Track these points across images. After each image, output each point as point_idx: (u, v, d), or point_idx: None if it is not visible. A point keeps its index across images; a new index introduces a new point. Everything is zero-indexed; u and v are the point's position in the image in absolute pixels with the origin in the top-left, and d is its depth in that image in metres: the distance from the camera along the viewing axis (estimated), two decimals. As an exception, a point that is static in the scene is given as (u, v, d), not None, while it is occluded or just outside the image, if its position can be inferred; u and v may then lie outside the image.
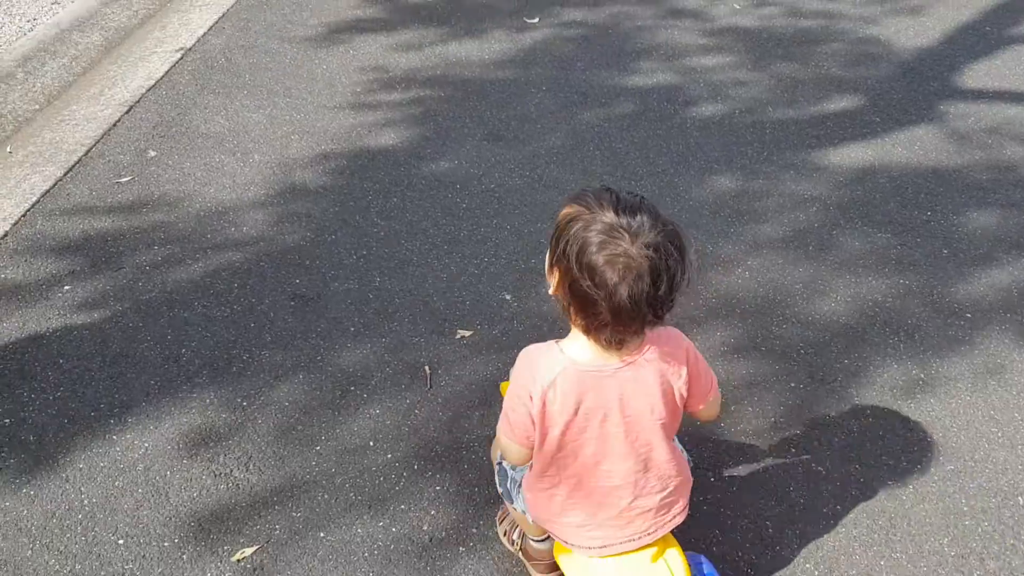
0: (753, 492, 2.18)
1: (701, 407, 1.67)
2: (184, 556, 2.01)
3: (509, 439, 1.63)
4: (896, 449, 2.31)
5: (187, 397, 2.42)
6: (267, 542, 2.04)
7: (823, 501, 2.17)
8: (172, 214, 3.16)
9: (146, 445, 2.27)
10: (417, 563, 2.00)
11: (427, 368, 2.53)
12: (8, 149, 3.53)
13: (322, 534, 2.06)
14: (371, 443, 2.30)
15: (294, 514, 2.11)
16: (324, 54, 4.35)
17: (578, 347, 1.53)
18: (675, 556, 1.71)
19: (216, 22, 4.64)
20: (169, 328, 2.65)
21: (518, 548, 2.00)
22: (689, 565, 1.72)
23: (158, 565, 1.99)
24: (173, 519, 2.09)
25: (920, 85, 4.19)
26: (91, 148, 3.53)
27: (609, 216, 1.39)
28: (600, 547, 1.69)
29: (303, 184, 3.36)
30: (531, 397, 1.54)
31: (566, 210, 1.45)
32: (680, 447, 1.80)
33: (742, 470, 2.24)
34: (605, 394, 1.54)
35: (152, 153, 3.51)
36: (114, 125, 3.69)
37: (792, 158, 3.61)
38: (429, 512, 2.12)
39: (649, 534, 1.69)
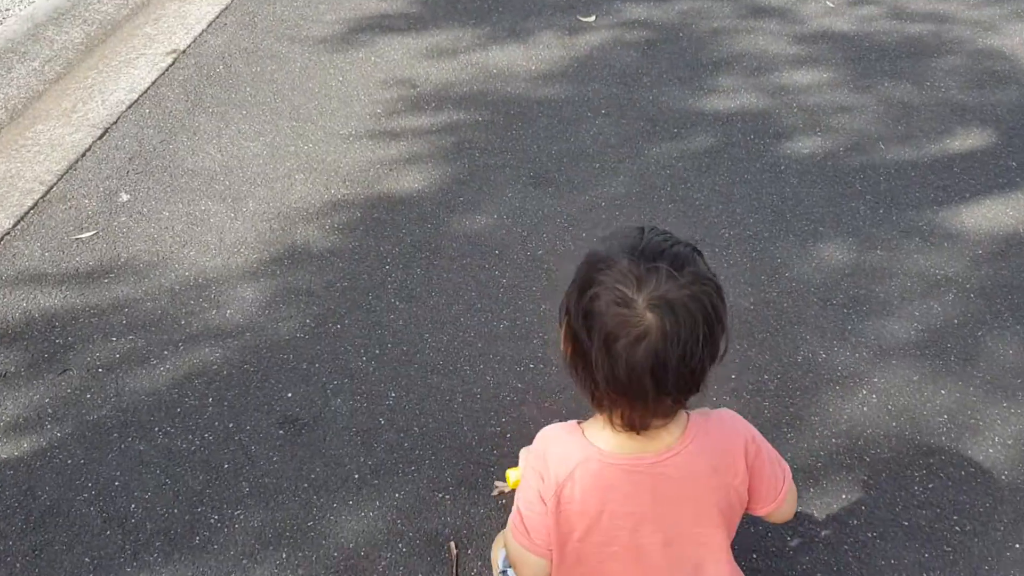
0: None
1: (769, 510, 1.34)
2: None
3: (522, 547, 1.30)
4: None
5: (131, 585, 1.80)
6: None
7: None
8: (140, 287, 2.52)
9: (67, 669, 1.66)
10: None
11: (453, 547, 1.88)
12: (-48, 186, 2.91)
13: None
14: (374, 675, 1.66)
15: None
16: (341, 60, 3.66)
17: (606, 434, 1.23)
18: None
19: (218, 16, 3.95)
20: (118, 468, 2.03)
21: None
22: None
23: None
24: None
25: (1064, 116, 3.42)
26: (52, 187, 2.89)
27: (624, 262, 1.13)
28: None
29: (305, 245, 2.70)
30: (545, 491, 1.25)
31: (588, 253, 1.20)
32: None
33: None
34: (637, 495, 1.22)
35: (124, 197, 2.86)
36: (83, 155, 3.04)
37: (915, 218, 2.88)
38: None
39: None
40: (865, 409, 2.23)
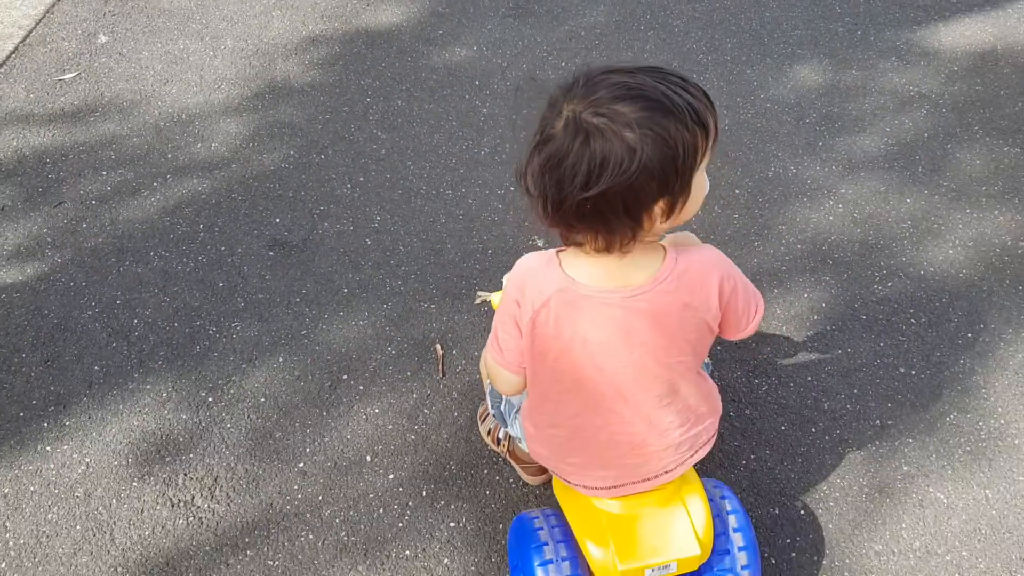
0: (855, 531, 1.69)
1: (735, 338, 1.39)
2: (131, 627, 1.58)
3: (498, 364, 1.36)
4: (1039, 467, 1.80)
5: (138, 389, 1.93)
6: (236, 605, 1.60)
7: (944, 544, 1.68)
8: (125, 124, 2.57)
9: (87, 460, 1.80)
10: (426, 638, 1.56)
11: (439, 347, 2.01)
12: (-70, 34, 2.91)
13: (305, 593, 1.62)
14: (368, 457, 1.81)
15: (270, 562, 1.66)
16: (314, -102, 3.57)
17: (581, 265, 1.24)
18: (697, 501, 1.43)
19: None
20: (119, 289, 2.13)
21: (505, 449, 1.76)
22: (710, 504, 1.47)
23: (97, 640, 1.56)
24: (119, 569, 1.64)
25: (1050, -66, 3.37)
26: (31, 31, 2.89)
27: (583, 77, 1.12)
28: (610, 487, 1.41)
29: (286, 80, 2.72)
30: (521, 316, 1.28)
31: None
32: (707, 370, 1.51)
33: (836, 499, 1.74)
34: (609, 326, 1.24)
35: (103, 38, 2.86)
36: (58, 0, 3.02)
37: (893, 39, 2.90)
38: (442, 561, 1.66)
39: (668, 472, 1.41)
40: (831, 218, 2.32)
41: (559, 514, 1.51)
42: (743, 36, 2.91)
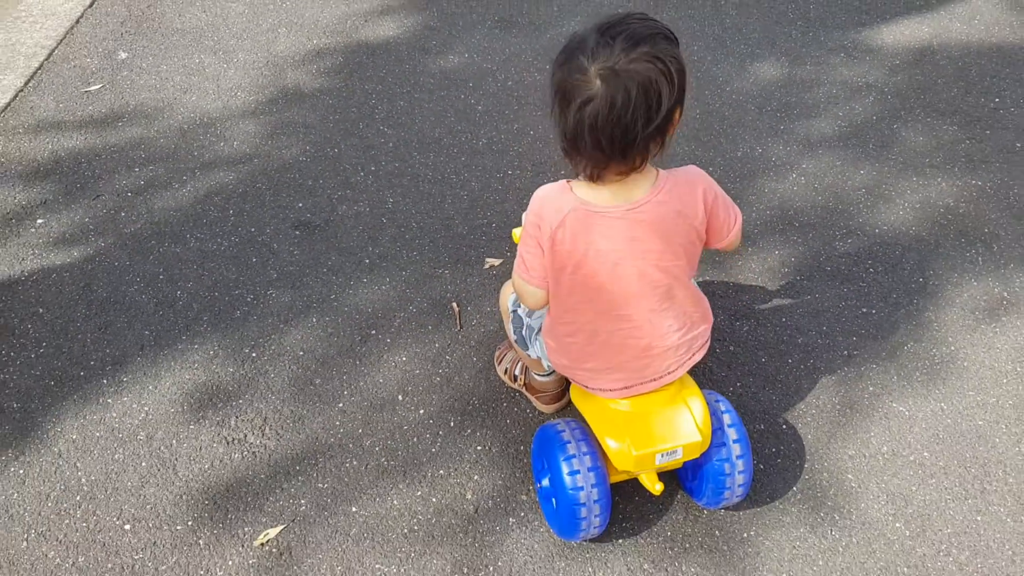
0: (831, 440, 1.95)
1: (721, 245, 1.63)
2: (200, 541, 1.77)
3: (525, 281, 1.58)
4: (984, 382, 2.07)
5: (187, 349, 2.14)
6: (292, 520, 1.81)
7: (908, 447, 1.94)
8: (151, 127, 2.80)
9: (146, 409, 2.01)
10: (463, 539, 1.78)
11: (455, 305, 2.25)
12: (-41, 55, 3.13)
13: (354, 508, 1.83)
14: (400, 397, 2.04)
15: (320, 485, 1.87)
16: (307, -71, 3.86)
17: (588, 187, 1.47)
18: (696, 400, 1.67)
19: None
20: (160, 266, 2.35)
21: (521, 384, 2.01)
22: (708, 405, 1.69)
23: (172, 554, 1.75)
24: (184, 497, 1.85)
25: (976, -53, 3.75)
26: (53, 50, 3.12)
27: (591, 37, 1.34)
28: (621, 388, 1.65)
29: (296, 87, 2.98)
30: (542, 237, 1.49)
31: (572, 32, 1.40)
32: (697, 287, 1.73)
33: (813, 415, 2.00)
34: (616, 236, 1.48)
35: (123, 55, 3.10)
36: (77, 21, 3.26)
37: (841, 38, 3.23)
38: (472, 478, 1.88)
39: (670, 372, 1.65)
40: (795, 188, 2.61)
41: (578, 420, 1.75)
42: (708, 40, 3.22)
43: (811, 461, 1.91)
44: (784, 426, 1.98)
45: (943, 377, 2.08)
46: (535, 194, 1.54)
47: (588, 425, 1.73)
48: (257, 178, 2.62)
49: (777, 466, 1.91)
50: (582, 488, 1.61)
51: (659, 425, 1.65)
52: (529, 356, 1.86)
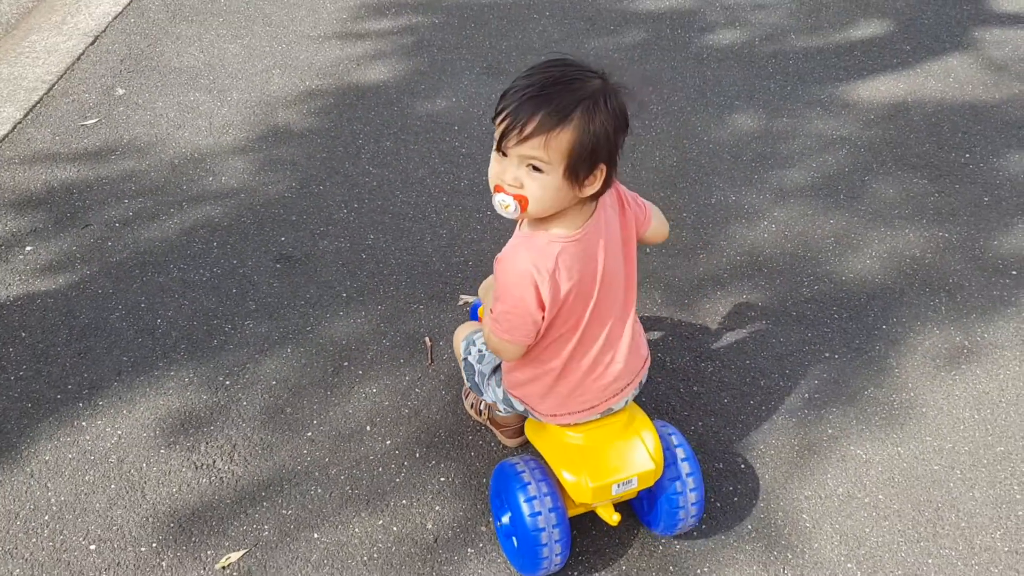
0: (788, 480, 1.99)
1: (646, 228, 1.71)
2: (163, 563, 1.81)
3: (510, 342, 1.58)
4: (942, 428, 2.11)
5: (163, 375, 2.19)
6: (255, 545, 1.84)
7: (863, 489, 1.97)
8: (143, 161, 2.88)
9: (119, 433, 2.06)
10: (422, 567, 1.81)
11: (428, 340, 2.30)
12: (-38, 87, 3.22)
13: (316, 535, 1.86)
14: (368, 427, 2.08)
15: (284, 511, 1.91)
16: (307, -24, 3.99)
17: (562, 225, 1.51)
18: (646, 430, 1.74)
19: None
20: (142, 295, 2.41)
21: (486, 419, 2.06)
22: (659, 437, 1.74)
23: (134, 573, 1.79)
24: (150, 519, 1.88)
25: (952, 8, 3.88)
26: (53, 85, 3.22)
27: (596, 82, 1.47)
28: (586, 410, 1.70)
29: (286, 126, 3.07)
30: (539, 287, 1.49)
31: (573, 130, 1.43)
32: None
33: (772, 456, 2.04)
34: (592, 253, 1.54)
35: (120, 91, 3.20)
36: (78, 59, 3.36)
37: (818, 93, 3.33)
38: (433, 508, 1.92)
39: (622, 392, 1.72)
40: (766, 236, 2.68)
41: (535, 457, 1.80)
42: (688, 91, 3.32)
43: (767, 500, 1.95)
44: (743, 465, 2.02)
45: (901, 422, 2.13)
46: (503, 258, 1.55)
47: (544, 460, 1.78)
48: (243, 212, 2.69)
49: (734, 504, 1.94)
50: (544, 529, 1.65)
51: (613, 456, 1.70)
52: (484, 400, 1.91)
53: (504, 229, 2.65)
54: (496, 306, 1.57)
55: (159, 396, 2.14)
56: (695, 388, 2.20)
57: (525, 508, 1.67)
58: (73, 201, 2.71)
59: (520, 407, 1.78)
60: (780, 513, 1.93)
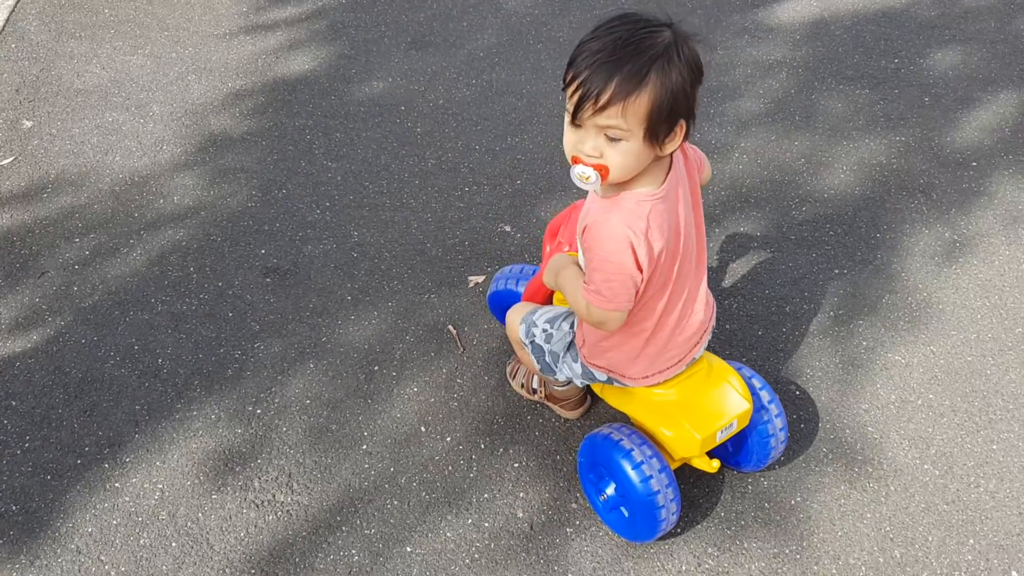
0: (843, 398, 2.04)
1: (704, 174, 1.70)
2: (258, 613, 1.69)
3: (609, 310, 1.51)
4: (962, 321, 2.21)
5: (186, 417, 2.03)
6: (348, 574, 1.74)
7: (913, 392, 2.05)
8: (80, 195, 2.64)
9: (160, 487, 1.89)
10: (527, 558, 1.76)
11: (451, 327, 2.22)
12: None
13: (408, 548, 1.78)
14: (422, 428, 2.00)
15: (367, 531, 1.81)
16: (189, -28, 3.73)
17: (645, 183, 1.46)
18: (728, 372, 1.74)
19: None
20: (132, 336, 2.22)
21: (541, 396, 2.02)
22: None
23: (231, 631, 1.66)
24: (227, 570, 1.75)
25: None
26: (-55, 128, 2.90)
27: (667, 33, 1.42)
28: (672, 366, 1.68)
29: (224, 132, 2.87)
30: (636, 249, 1.44)
31: (653, 88, 1.37)
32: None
33: (820, 378, 2.09)
34: (677, 207, 1.51)
35: (27, 123, 2.91)
36: (-36, 95, 3.04)
37: (742, 21, 3.38)
38: (518, 495, 1.87)
39: (699, 343, 1.70)
40: (740, 167, 2.71)
41: (625, 423, 1.77)
42: (619, 37, 3.30)
43: (831, 420, 2.00)
44: (797, 392, 2.06)
45: (924, 322, 2.21)
46: (597, 230, 1.48)
47: (634, 424, 1.75)
48: (209, 230, 2.51)
49: (801, 431, 1.98)
50: (659, 491, 1.63)
51: (709, 404, 1.70)
52: (557, 380, 1.87)
53: (486, 204, 2.58)
54: (593, 277, 1.51)
55: (189, 439, 1.98)
56: (728, 327, 2.21)
57: (634, 475, 1.64)
58: (17, 250, 2.46)
59: (603, 376, 1.74)
60: (847, 431, 1.97)
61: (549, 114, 2.92)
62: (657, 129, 1.38)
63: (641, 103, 1.34)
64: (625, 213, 1.46)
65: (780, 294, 2.29)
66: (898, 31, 3.28)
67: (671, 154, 1.50)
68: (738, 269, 2.36)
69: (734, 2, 3.48)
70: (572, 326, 1.76)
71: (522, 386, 2.04)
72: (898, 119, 2.87)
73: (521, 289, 2.02)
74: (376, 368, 2.13)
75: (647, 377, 1.70)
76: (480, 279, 2.34)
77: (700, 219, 1.65)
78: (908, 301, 2.27)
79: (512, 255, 2.41)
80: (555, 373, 1.82)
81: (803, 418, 2.00)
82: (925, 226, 2.48)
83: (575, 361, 1.76)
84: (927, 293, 2.28)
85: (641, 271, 1.48)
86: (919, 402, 2.03)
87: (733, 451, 1.85)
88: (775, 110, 2.93)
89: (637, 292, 1.52)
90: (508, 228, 2.49)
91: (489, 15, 3.42)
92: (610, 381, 1.75)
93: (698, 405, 1.69)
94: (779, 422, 1.78)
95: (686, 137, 1.45)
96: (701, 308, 1.68)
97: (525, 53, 3.22)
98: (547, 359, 1.80)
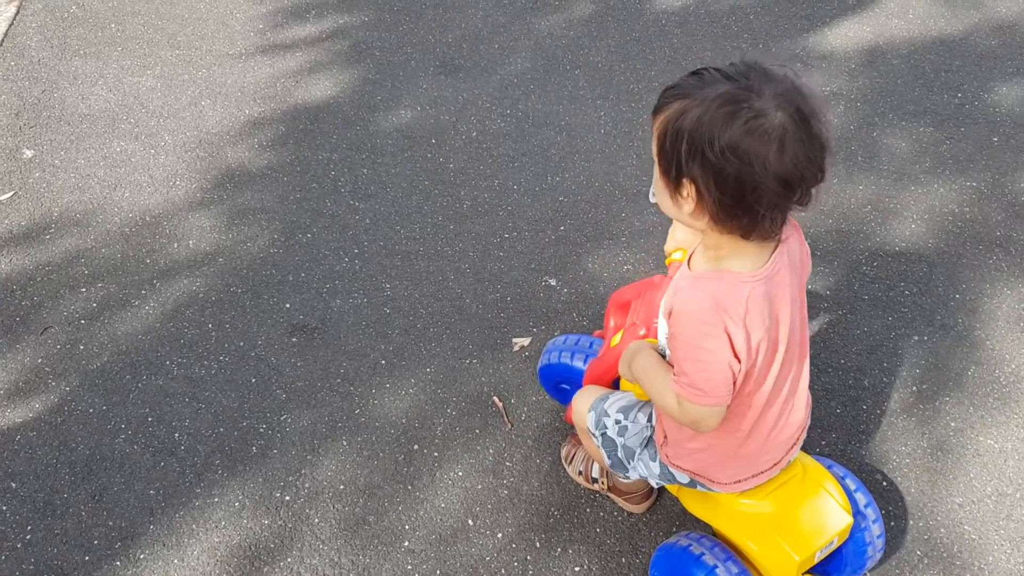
0: (934, 489, 1.84)
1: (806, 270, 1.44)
2: None
3: (713, 405, 1.31)
4: (1056, 399, 2.01)
5: (206, 504, 1.82)
6: None
7: (1011, 484, 1.85)
8: (87, 236, 2.42)
9: (178, 589, 1.69)
10: None
11: (497, 400, 2.02)
12: None
13: (459, 668, 1.58)
14: (470, 522, 1.80)
15: (411, 647, 1.61)
16: (200, -17, 3.50)
17: (742, 260, 1.26)
18: (826, 479, 1.55)
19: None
20: (145, 406, 2.01)
21: (603, 486, 1.81)
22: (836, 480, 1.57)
23: None
24: None
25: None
26: (-61, 157, 2.68)
27: (723, 87, 1.15)
28: (767, 471, 1.48)
29: (241, 166, 2.66)
30: (732, 336, 1.25)
31: (667, 112, 1.19)
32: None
33: (908, 464, 1.89)
34: (780, 294, 1.29)
35: (28, 152, 2.69)
36: (-41, 120, 2.81)
37: (791, 47, 3.17)
38: (579, 604, 1.67)
39: (794, 445, 1.51)
40: (803, 214, 2.49)
41: (708, 535, 1.56)
42: (660, 62, 3.09)
43: (923, 517, 1.80)
44: (884, 482, 1.86)
45: (1015, 399, 2.02)
46: (687, 312, 1.28)
47: (715, 533, 1.56)
48: (229, 280, 2.30)
49: (892, 529, 1.78)
50: (749, 613, 1.43)
51: (807, 518, 1.50)
52: (628, 478, 1.67)
53: (528, 252, 2.37)
54: (685, 367, 1.30)
55: (211, 532, 1.78)
56: (801, 402, 2.01)
57: (720, 597, 1.45)
58: (16, 300, 2.24)
59: (685, 479, 1.53)
60: (942, 530, 1.78)
61: (591, 149, 2.71)
62: (668, 166, 1.21)
63: (657, 122, 1.22)
64: (720, 293, 1.27)
65: (857, 364, 2.09)
66: (958, 61, 3.07)
67: (777, 236, 1.28)
68: (809, 334, 2.16)
69: (782, 26, 3.27)
70: (650, 419, 1.56)
71: (580, 473, 1.84)
72: (967, 161, 2.67)
73: (577, 364, 1.81)
74: (416, 447, 1.93)
75: (739, 482, 1.50)
76: (525, 342, 2.14)
77: (804, 306, 1.44)
78: (996, 375, 2.07)
79: (558, 313, 2.21)
80: (627, 471, 1.61)
81: (893, 513, 1.81)
82: (1006, 286, 2.28)
83: (653, 460, 1.56)
84: (1015, 365, 2.09)
85: (739, 360, 1.29)
86: (1017, 495, 1.83)
87: (824, 560, 1.65)
88: (836, 148, 2.71)
89: (735, 384, 1.32)
90: (553, 282, 2.29)
91: (521, 36, 3.20)
92: (693, 484, 1.55)
93: (795, 519, 1.49)
94: (876, 528, 1.59)
95: (715, 216, 1.21)
96: (802, 405, 1.48)
97: (562, 80, 3.00)
98: (620, 454, 1.60)
